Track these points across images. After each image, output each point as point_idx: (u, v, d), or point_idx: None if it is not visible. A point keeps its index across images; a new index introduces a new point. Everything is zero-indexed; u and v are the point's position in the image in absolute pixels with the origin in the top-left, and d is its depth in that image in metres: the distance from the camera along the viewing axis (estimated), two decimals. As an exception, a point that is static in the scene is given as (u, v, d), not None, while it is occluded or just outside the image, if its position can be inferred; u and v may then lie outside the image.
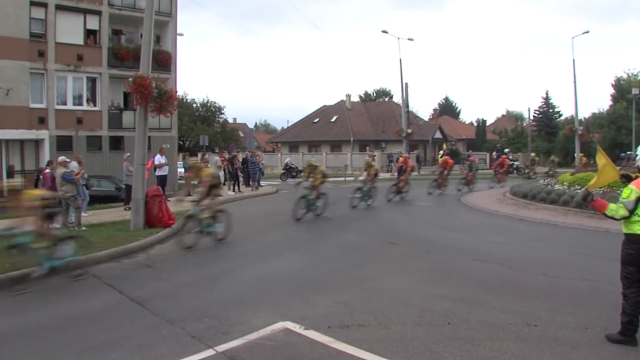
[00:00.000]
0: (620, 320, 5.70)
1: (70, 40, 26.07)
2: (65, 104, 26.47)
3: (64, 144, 25.53)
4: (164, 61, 28.53)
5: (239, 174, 26.12)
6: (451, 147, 56.31)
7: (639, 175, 5.79)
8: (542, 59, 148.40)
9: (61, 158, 14.73)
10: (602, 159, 6.16)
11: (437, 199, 22.18)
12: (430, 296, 7.46)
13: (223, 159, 26.06)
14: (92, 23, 27.03)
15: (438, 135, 60.42)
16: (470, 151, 56.69)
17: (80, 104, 27.10)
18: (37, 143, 25.50)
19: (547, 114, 69.02)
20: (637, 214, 5.64)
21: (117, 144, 27.82)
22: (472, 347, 5.52)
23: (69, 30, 25.95)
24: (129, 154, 18.46)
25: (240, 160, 28.04)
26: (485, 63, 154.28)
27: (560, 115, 70.29)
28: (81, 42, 26.66)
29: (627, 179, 5.88)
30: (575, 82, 40.06)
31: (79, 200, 14.47)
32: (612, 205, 5.79)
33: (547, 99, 69.50)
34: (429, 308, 6.88)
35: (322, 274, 9.14)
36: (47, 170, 15.29)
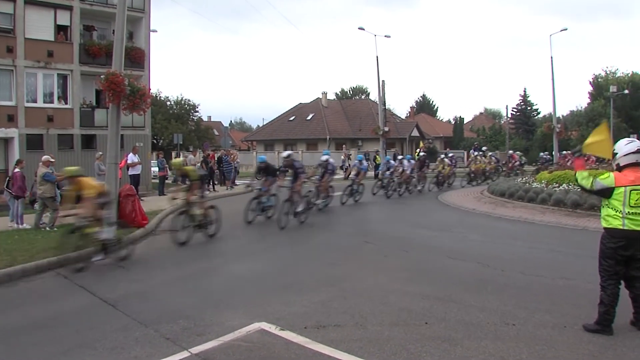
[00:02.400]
0: (597, 310, 5.80)
1: (40, 36, 25.43)
2: (35, 101, 25.86)
3: (34, 143, 24.97)
4: (137, 58, 28.13)
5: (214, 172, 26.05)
6: (428, 145, 56.55)
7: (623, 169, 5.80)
8: (520, 57, 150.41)
9: (45, 157, 14.41)
10: (605, 133, 6.41)
11: (413, 198, 22.19)
12: (408, 295, 7.42)
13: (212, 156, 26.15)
14: (63, 18, 26.47)
15: (415, 133, 60.60)
16: (447, 149, 57.14)
17: (51, 102, 26.50)
18: (6, 142, 24.91)
19: (525, 112, 69.86)
20: (613, 208, 5.72)
21: (89, 142, 27.33)
22: (449, 347, 5.48)
23: (38, 25, 25.33)
24: (101, 152, 18.19)
25: (215, 158, 27.94)
26: (462, 60, 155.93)
27: (538, 113, 71.43)
28: (51, 38, 26.03)
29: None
30: (553, 79, 40.68)
31: (57, 202, 14.17)
32: (585, 173, 6.01)
33: (525, 96, 70.40)
34: (406, 307, 6.84)
35: (298, 274, 9.06)
36: (17, 170, 14.91)
